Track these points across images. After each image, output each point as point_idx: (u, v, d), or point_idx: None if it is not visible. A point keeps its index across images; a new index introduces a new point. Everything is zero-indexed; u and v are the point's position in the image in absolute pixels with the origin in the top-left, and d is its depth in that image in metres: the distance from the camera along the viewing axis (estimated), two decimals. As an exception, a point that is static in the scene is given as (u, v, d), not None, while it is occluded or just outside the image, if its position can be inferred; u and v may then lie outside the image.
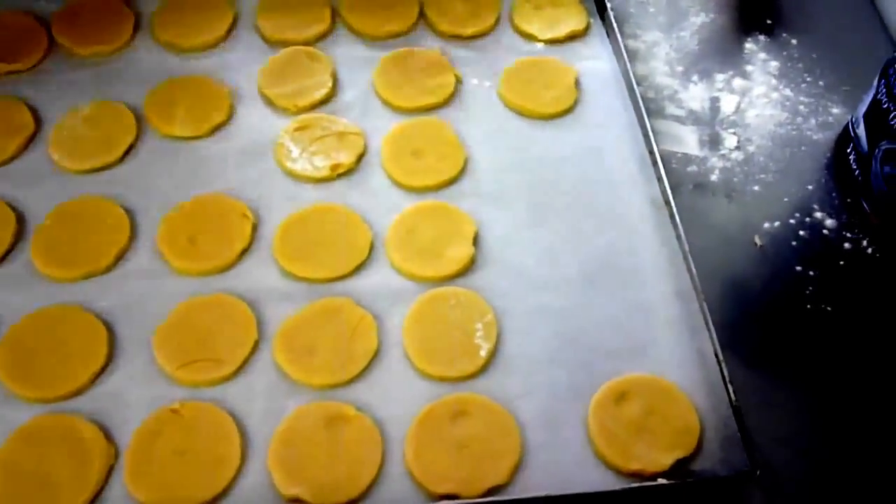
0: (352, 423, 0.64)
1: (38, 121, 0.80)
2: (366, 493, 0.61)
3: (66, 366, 0.65)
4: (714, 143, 0.83)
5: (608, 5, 0.90)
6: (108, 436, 0.63)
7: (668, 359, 0.68)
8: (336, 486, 0.61)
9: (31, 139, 0.79)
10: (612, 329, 0.70)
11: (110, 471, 0.61)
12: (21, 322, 0.67)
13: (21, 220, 0.74)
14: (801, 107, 0.87)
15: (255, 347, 0.68)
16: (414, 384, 0.67)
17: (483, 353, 0.68)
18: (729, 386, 0.65)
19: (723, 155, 0.83)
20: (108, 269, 0.71)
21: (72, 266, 0.71)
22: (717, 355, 0.67)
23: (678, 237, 0.74)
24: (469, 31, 0.89)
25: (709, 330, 0.68)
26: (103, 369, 0.66)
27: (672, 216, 0.75)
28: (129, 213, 0.74)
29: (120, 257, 0.72)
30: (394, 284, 0.72)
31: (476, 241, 0.74)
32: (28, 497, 0.60)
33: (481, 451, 0.63)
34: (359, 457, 0.62)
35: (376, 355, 0.68)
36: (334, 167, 0.78)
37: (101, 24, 0.87)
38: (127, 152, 0.79)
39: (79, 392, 0.65)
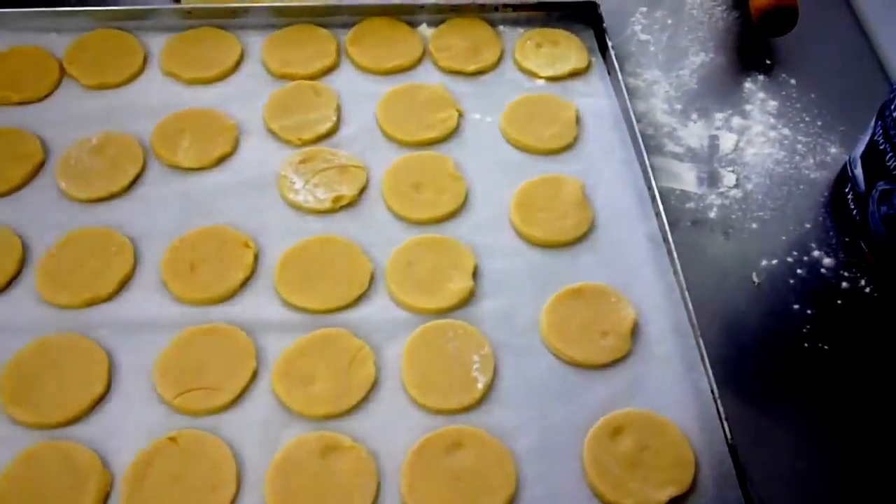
0: (348, 454, 0.64)
1: (47, 150, 0.82)
2: (360, 524, 0.61)
3: (67, 392, 0.66)
4: (712, 180, 0.84)
5: (609, 44, 0.91)
6: (104, 463, 0.63)
7: (664, 394, 0.69)
8: (330, 517, 0.61)
9: (40, 168, 0.81)
10: (609, 364, 0.70)
11: (106, 498, 0.62)
12: (24, 348, 0.68)
13: (26, 247, 0.75)
14: (799, 146, 0.88)
15: (254, 377, 0.68)
16: (410, 416, 0.67)
17: (480, 386, 0.68)
18: (724, 423, 0.65)
19: (721, 192, 0.83)
20: (111, 297, 0.72)
21: (75, 293, 0.71)
22: (712, 392, 0.67)
23: (675, 273, 0.74)
24: (471, 67, 0.91)
25: (705, 366, 0.68)
26: (103, 396, 0.66)
27: (670, 252, 0.76)
28: (133, 241, 0.76)
29: (122, 285, 0.73)
30: (393, 316, 0.73)
31: (475, 274, 0.75)
32: (23, 524, 0.60)
33: (476, 483, 0.63)
34: (354, 488, 0.62)
35: (374, 386, 0.68)
36: (336, 199, 0.79)
37: (111, 57, 0.89)
38: (133, 182, 0.80)
39: (78, 419, 0.65)
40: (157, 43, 0.92)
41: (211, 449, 0.64)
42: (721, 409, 0.66)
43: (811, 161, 0.86)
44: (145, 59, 0.90)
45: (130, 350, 0.69)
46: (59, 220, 0.77)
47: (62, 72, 0.88)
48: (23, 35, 0.91)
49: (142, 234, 0.77)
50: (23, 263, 0.74)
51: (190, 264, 0.74)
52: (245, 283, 0.74)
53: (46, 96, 0.86)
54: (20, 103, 0.85)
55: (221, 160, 0.82)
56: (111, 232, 0.76)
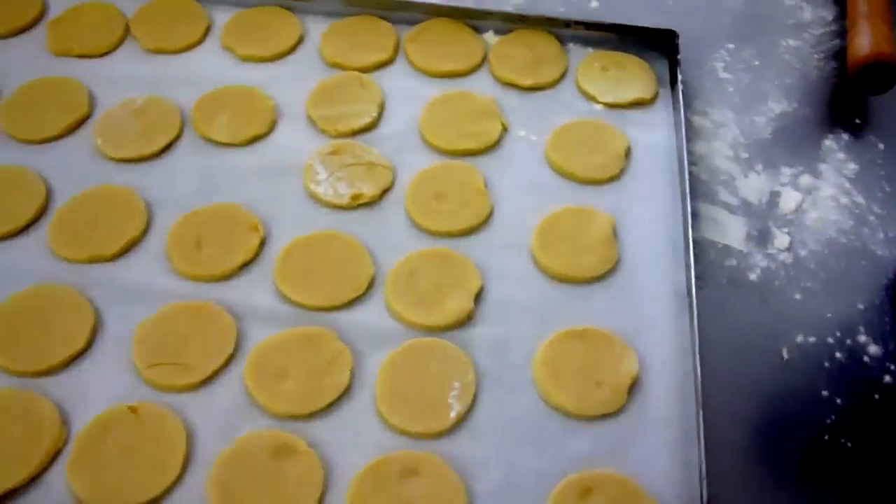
0: (299, 458, 0.61)
1: (94, 105, 0.84)
2: (292, 534, 0.59)
3: (46, 344, 0.66)
4: (762, 239, 0.77)
5: (679, 77, 0.85)
6: (64, 420, 0.63)
7: (649, 463, 0.63)
8: (264, 520, 0.59)
9: (83, 121, 0.82)
10: (597, 417, 0.65)
11: (57, 454, 0.62)
12: (18, 294, 0.69)
13: (49, 195, 0.76)
14: (872, 217, 0.79)
15: (228, 362, 0.67)
16: (374, 432, 0.64)
17: (452, 415, 0.64)
18: (705, 507, 0.59)
19: (769, 254, 0.76)
20: (113, 258, 0.72)
21: (80, 248, 0.72)
22: (700, 472, 0.60)
23: (692, 332, 0.68)
24: (528, 81, 0.87)
25: (699, 442, 0.62)
26: (80, 354, 0.67)
27: (691, 309, 0.69)
28: (149, 207, 0.76)
29: (128, 249, 0.73)
30: (383, 326, 0.70)
31: (480, 296, 0.71)
32: (-28, 461, 0.61)
33: (422, 516, 0.60)
34: (296, 495, 0.60)
35: (345, 394, 0.65)
36: (355, 196, 0.77)
37: (175, 23, 0.90)
38: (164, 149, 0.80)
39: (50, 372, 0.66)
40: (223, 15, 0.92)
41: (168, 427, 0.63)
42: (705, 494, 0.59)
43: (881, 236, 0.77)
44: (207, 30, 0.91)
45: (119, 314, 0.69)
46: (86, 174, 0.78)
47: (126, 31, 0.90)
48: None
49: (159, 202, 0.77)
50: (42, 211, 0.75)
51: (196, 239, 0.73)
52: (245, 266, 0.73)
53: (106, 53, 0.88)
54: (80, 56, 0.88)
55: (254, 140, 0.82)
56: (130, 194, 0.76)
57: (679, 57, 0.86)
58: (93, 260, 0.72)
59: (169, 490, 0.60)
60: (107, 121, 0.82)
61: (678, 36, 0.88)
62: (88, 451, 0.61)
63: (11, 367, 0.65)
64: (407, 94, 0.86)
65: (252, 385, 0.65)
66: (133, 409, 0.63)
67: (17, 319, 0.68)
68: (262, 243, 0.74)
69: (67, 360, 0.66)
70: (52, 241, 0.73)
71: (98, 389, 0.65)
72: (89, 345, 0.67)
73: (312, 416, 0.64)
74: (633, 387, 0.66)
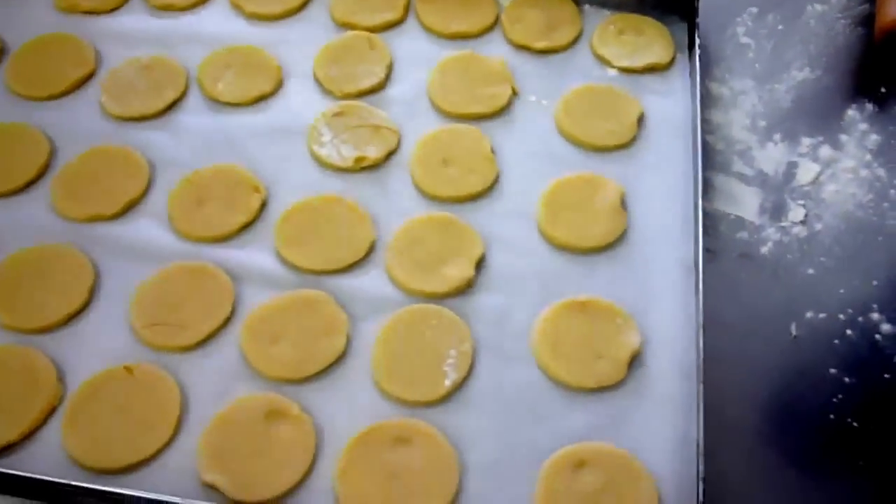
0: (291, 422, 0.61)
1: (100, 63, 0.83)
2: (282, 497, 0.58)
3: (46, 301, 0.66)
4: (776, 211, 0.75)
5: (697, 42, 0.82)
6: (60, 376, 0.63)
7: (646, 437, 0.61)
8: (255, 483, 0.59)
9: (88, 79, 0.82)
10: (595, 389, 0.64)
11: (53, 410, 0.62)
12: (18, 252, 0.69)
13: (53, 153, 0.76)
14: (893, 191, 0.76)
15: (225, 324, 0.66)
16: (368, 398, 0.63)
17: (447, 383, 0.63)
18: (701, 483, 0.57)
19: (782, 227, 0.74)
20: (114, 217, 0.72)
21: (81, 206, 0.72)
22: (698, 448, 0.59)
23: (697, 307, 0.66)
24: (540, 44, 0.84)
25: (699, 418, 0.60)
26: (79, 312, 0.67)
27: (697, 282, 0.67)
28: (152, 166, 0.75)
29: (129, 208, 0.73)
30: (382, 292, 0.69)
31: (481, 264, 0.70)
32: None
33: (413, 485, 0.59)
34: (287, 459, 0.60)
35: (340, 359, 0.65)
36: (359, 159, 0.76)
37: (184, -20, 0.89)
38: (169, 108, 0.80)
39: (49, 329, 0.66)
40: (231, -27, 0.91)
41: (162, 388, 0.63)
42: (701, 468, 0.58)
43: (901, 211, 0.75)
44: (216, -13, 0.89)
45: (118, 273, 0.69)
46: (91, 132, 0.78)
47: (133, -12, 0.89)
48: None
49: (162, 161, 0.76)
50: (46, 168, 0.75)
51: (197, 199, 0.73)
52: (245, 227, 0.72)
53: (113, 10, 0.87)
54: (87, 13, 0.87)
55: (259, 100, 0.80)
56: (132, 153, 0.75)
57: (698, 21, 0.83)
58: (94, 219, 0.72)
59: (160, 451, 0.60)
60: (112, 79, 0.81)
61: (698, -3, 0.85)
62: (82, 409, 0.61)
63: (10, 322, 0.66)
64: (416, 56, 0.85)
65: (247, 348, 0.65)
66: (129, 369, 0.63)
67: (17, 276, 0.68)
68: (264, 205, 0.73)
69: (66, 317, 0.66)
70: (54, 199, 0.73)
71: (95, 348, 0.65)
72: (88, 303, 0.67)
73: (306, 380, 0.64)
74: (634, 360, 0.65)
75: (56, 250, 0.69)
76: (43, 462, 0.60)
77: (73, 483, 0.57)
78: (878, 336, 0.68)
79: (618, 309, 0.67)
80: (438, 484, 0.59)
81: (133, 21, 0.87)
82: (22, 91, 0.80)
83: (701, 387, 0.61)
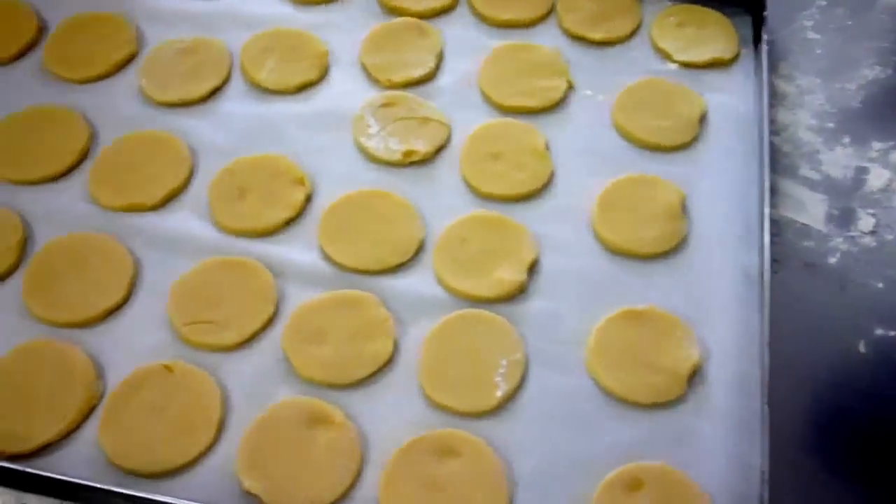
0: (335, 430, 0.59)
1: (141, 43, 0.81)
2: (325, 509, 0.56)
3: (85, 295, 0.64)
4: (844, 220, 0.71)
5: (765, 37, 0.78)
6: (99, 373, 0.61)
7: (706, 459, 0.58)
8: (295, 492, 0.56)
9: (129, 60, 0.79)
10: (652, 405, 0.61)
11: (92, 409, 0.60)
12: (55, 241, 0.67)
13: (93, 138, 0.74)
14: (970, 202, 0.72)
15: (268, 323, 0.64)
16: (415, 406, 0.61)
17: (499, 394, 0.61)
18: (766, 511, 0.54)
19: (851, 237, 0.70)
20: (154, 208, 0.70)
21: (121, 195, 0.70)
22: (763, 474, 0.56)
23: (762, 320, 0.63)
24: (598, 35, 0.81)
25: (763, 441, 0.57)
26: (119, 307, 0.65)
27: (762, 294, 0.64)
28: (193, 154, 0.73)
29: (170, 198, 0.71)
30: (430, 294, 0.66)
31: (533, 267, 0.67)
32: (5, 413, 0.59)
33: (460, 499, 0.56)
34: (330, 468, 0.57)
35: (386, 364, 0.62)
36: (408, 153, 0.73)
37: (227, -43, 0.86)
38: (211, 93, 0.77)
39: (88, 324, 0.64)
40: (278, -50, 0.88)
41: (202, 388, 0.60)
42: (766, 497, 0.55)
43: (979, 223, 0.71)
44: (260, -32, 0.86)
45: (158, 265, 0.67)
46: (130, 116, 0.76)
47: (175, -33, 0.86)
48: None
49: (204, 149, 0.74)
50: (85, 155, 0.73)
51: (239, 190, 0.70)
52: (289, 222, 0.69)
53: (154, -10, 0.85)
54: (127, -8, 0.84)
55: (303, 88, 0.77)
56: (174, 140, 0.73)
57: (765, 14, 0.79)
58: (134, 209, 0.70)
59: (200, 455, 0.58)
60: (153, 61, 0.78)
61: (766, -11, 0.81)
62: (121, 409, 0.60)
63: (48, 316, 0.64)
64: (466, 44, 0.81)
65: (290, 350, 0.62)
66: (168, 368, 0.61)
67: (53, 267, 0.66)
68: (308, 199, 0.71)
69: (104, 312, 0.64)
70: (93, 188, 0.70)
71: (133, 345, 0.63)
72: (128, 298, 0.65)
73: (350, 385, 0.62)
74: (694, 375, 0.62)
75: (94, 241, 0.67)
76: (80, 462, 0.58)
77: (110, 487, 0.55)
78: (952, 357, 0.64)
79: (677, 320, 0.64)
80: (486, 498, 0.56)
81: (175, 2, 0.84)
82: (62, 73, 0.78)
83: (766, 408, 0.58)
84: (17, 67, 0.79)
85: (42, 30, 0.81)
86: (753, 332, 0.63)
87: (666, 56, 0.80)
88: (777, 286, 0.65)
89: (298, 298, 0.65)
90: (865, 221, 0.71)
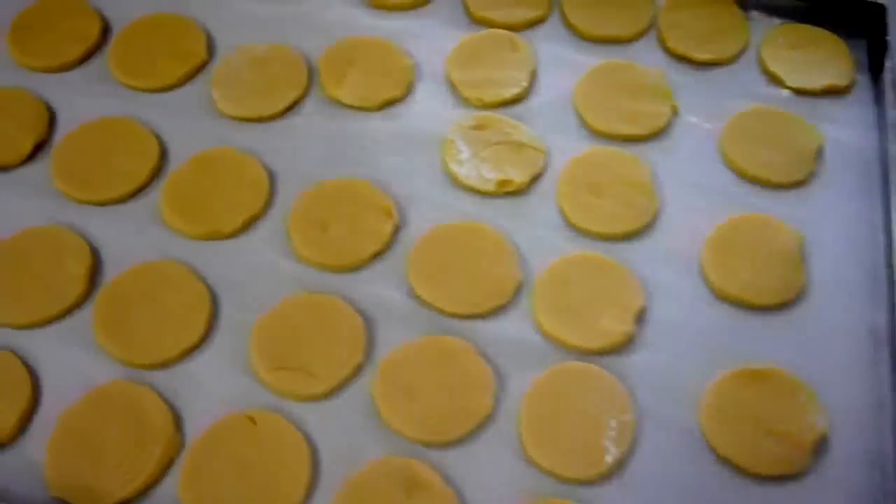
0: (434, 496, 0.54)
1: (212, 51, 0.75)
2: (423, 585, 0.52)
3: (161, 333, 0.60)
4: (978, 272, 0.65)
5: (887, 64, 0.72)
6: (177, 424, 0.57)
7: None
8: (393, 566, 0.53)
9: (200, 69, 0.74)
10: (773, 477, 0.56)
11: (170, 463, 0.56)
12: (128, 271, 0.63)
13: (164, 154, 0.69)
14: None
15: (357, 371, 0.59)
16: (516, 470, 0.56)
17: (609, 460, 0.56)
18: None
19: None
20: (231, 235, 0.65)
21: (196, 221, 0.65)
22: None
23: (893, 386, 0.58)
24: (703, 55, 0.75)
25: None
26: (196, 347, 0.60)
27: (893, 356, 0.59)
28: (272, 176, 0.68)
29: (248, 225, 0.66)
30: (529, 342, 0.61)
31: (640, 316, 0.62)
32: (80, 466, 0.55)
33: (569, 577, 0.52)
34: (429, 539, 0.53)
35: (485, 421, 0.58)
36: (502, 183, 0.67)
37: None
38: (289, 108, 0.72)
39: (165, 364, 0.59)
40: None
41: (289, 443, 0.56)
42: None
43: None
44: (340, -30, 0.80)
45: (237, 300, 0.63)
46: (202, 131, 0.71)
47: (247, -33, 0.80)
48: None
49: (282, 170, 0.69)
50: (156, 173, 0.68)
51: (321, 219, 0.65)
52: (376, 256, 0.64)
53: (224, -9, 0.79)
54: (195, -6, 0.79)
55: (387, 105, 0.72)
56: (251, 161, 0.68)
57: (888, 38, 0.73)
58: (210, 236, 0.65)
59: (289, 517, 0.54)
60: (225, 71, 0.73)
61: (887, 10, 0.74)
62: (202, 463, 0.55)
63: (122, 356, 0.59)
64: (559, 60, 0.75)
65: (381, 401, 0.58)
66: (252, 419, 0.57)
67: (126, 301, 0.61)
68: (396, 230, 0.66)
69: (182, 353, 0.60)
70: (165, 212, 0.66)
71: (213, 390, 0.59)
72: (206, 335, 0.61)
73: (447, 444, 0.57)
74: (818, 446, 0.57)
75: (168, 270, 0.63)
76: (158, 523, 0.54)
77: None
78: None
79: (801, 383, 0.59)
80: (599, 579, 0.52)
81: (246, 3, 0.79)
82: (127, 81, 0.73)
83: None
84: (81, 72, 0.74)
85: (107, 31, 0.75)
86: (883, 400, 0.58)
87: (776, 80, 0.74)
88: (905, 346, 0.60)
89: (388, 341, 0.61)
90: None
